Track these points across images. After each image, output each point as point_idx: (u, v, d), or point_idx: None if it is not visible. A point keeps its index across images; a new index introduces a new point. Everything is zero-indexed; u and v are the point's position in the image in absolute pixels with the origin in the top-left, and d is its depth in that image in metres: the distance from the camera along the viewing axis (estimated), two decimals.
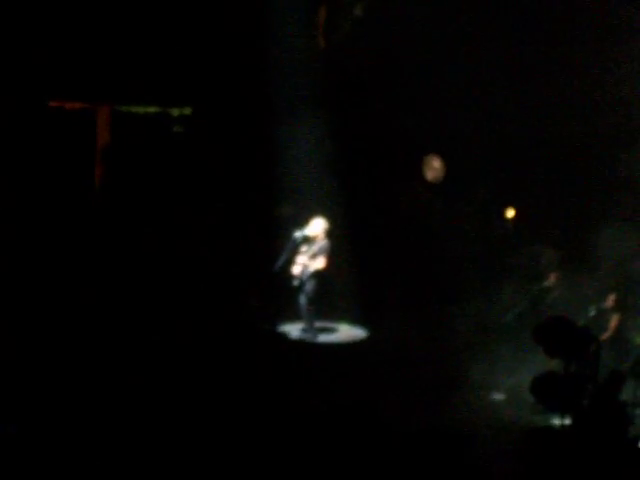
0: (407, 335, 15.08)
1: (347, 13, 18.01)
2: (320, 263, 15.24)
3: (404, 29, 16.65)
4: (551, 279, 15.41)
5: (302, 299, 15.43)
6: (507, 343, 14.58)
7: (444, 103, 16.63)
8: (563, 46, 16.39)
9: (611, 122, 16.35)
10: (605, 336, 14.02)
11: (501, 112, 16.74)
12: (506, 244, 16.88)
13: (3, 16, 15.89)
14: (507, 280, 15.61)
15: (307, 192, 16.61)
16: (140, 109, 17.47)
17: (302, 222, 15.33)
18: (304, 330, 15.52)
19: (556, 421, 11.76)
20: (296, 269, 15.28)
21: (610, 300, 14.40)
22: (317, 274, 15.30)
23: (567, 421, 11.26)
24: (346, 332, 16.03)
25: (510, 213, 17.39)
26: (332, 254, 15.35)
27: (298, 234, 15.13)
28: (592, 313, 14.31)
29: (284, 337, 15.26)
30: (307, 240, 15.24)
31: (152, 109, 17.50)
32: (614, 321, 14.26)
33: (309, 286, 15.34)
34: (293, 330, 15.60)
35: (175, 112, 17.59)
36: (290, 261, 15.18)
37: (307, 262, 15.25)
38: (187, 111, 17.64)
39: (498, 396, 13.72)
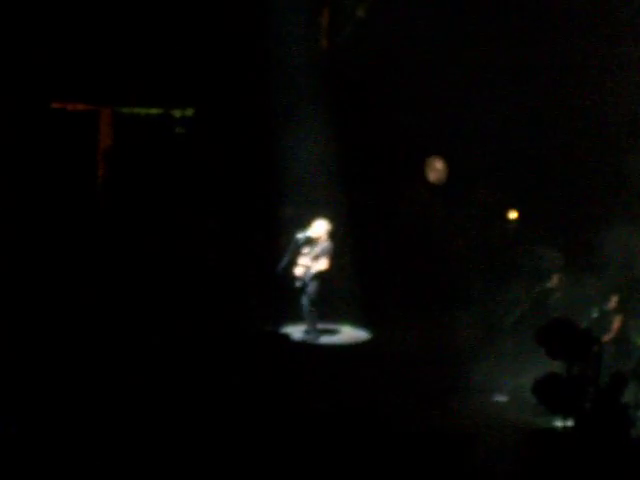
0: (409, 337, 15.09)
1: (350, 14, 18.02)
2: (323, 264, 15.24)
3: (406, 30, 16.66)
4: (553, 281, 15.39)
5: (304, 300, 15.42)
6: (509, 345, 14.57)
7: (446, 104, 16.63)
8: (565, 46, 16.38)
9: (615, 123, 16.34)
10: (607, 338, 14.00)
11: (504, 113, 16.72)
12: (508, 246, 16.87)
13: (6, 18, 15.90)
14: (509, 282, 15.59)
15: (310, 193, 16.62)
16: (142, 110, 17.50)
17: (304, 223, 15.32)
18: (306, 331, 15.51)
19: (558, 423, 11.73)
20: (299, 270, 15.28)
21: (612, 302, 14.37)
22: (320, 275, 15.29)
23: (569, 423, 11.25)
24: (348, 334, 16.02)
25: (512, 215, 17.38)
26: (334, 255, 15.35)
27: (300, 235, 15.13)
28: (594, 315, 14.30)
29: (286, 338, 15.24)
30: (310, 241, 15.23)
31: (154, 110, 17.53)
32: (616, 323, 14.24)
33: (311, 287, 15.33)
34: (295, 331, 15.59)
35: (177, 113, 17.62)
36: (292, 262, 15.18)
37: (310, 263, 15.25)
38: (189, 112, 17.67)
39: (500, 398, 13.69)
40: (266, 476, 10.41)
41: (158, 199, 16.74)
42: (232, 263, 16.13)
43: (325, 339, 15.58)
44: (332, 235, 15.32)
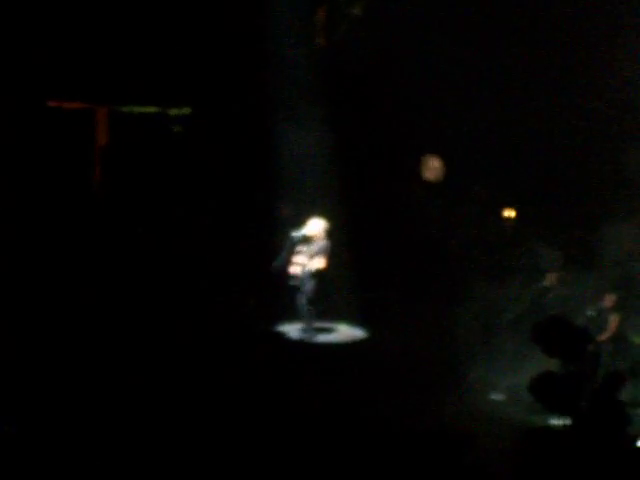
0: (406, 335, 15.08)
1: (346, 12, 18.00)
2: (319, 263, 15.21)
3: (403, 28, 16.66)
4: (550, 279, 15.39)
5: (301, 299, 15.40)
6: (506, 343, 14.57)
7: (443, 102, 16.63)
8: (563, 45, 16.38)
9: (612, 121, 16.34)
10: (605, 336, 14.00)
11: (501, 111, 16.73)
12: (505, 244, 16.86)
13: (2, 16, 15.88)
14: (507, 280, 15.59)
15: (306, 192, 16.61)
16: (139, 109, 17.48)
17: (301, 222, 15.30)
18: (303, 330, 15.49)
19: (555, 421, 11.73)
20: (295, 269, 15.26)
21: (609, 300, 14.38)
22: (316, 274, 15.27)
23: (566, 421, 11.24)
24: (345, 332, 16.00)
25: (509, 213, 17.38)
26: (331, 254, 15.33)
27: (297, 234, 15.12)
28: (591, 313, 14.31)
29: (283, 337, 15.24)
30: (306, 240, 15.21)
31: (151, 109, 17.53)
32: (614, 321, 14.24)
33: (308, 286, 15.30)
34: (292, 330, 15.57)
35: (174, 112, 17.61)
36: (289, 261, 15.17)
37: (306, 262, 15.22)
38: (186, 111, 17.66)
39: (497, 396, 13.70)
40: (265, 476, 10.41)
41: (155, 198, 16.72)
42: (229, 261, 16.12)
43: (322, 338, 15.57)
44: (329, 233, 15.31)
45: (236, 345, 13.78)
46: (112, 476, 10.18)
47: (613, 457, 10.61)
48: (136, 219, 16.52)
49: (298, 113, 16.84)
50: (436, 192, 17.52)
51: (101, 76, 16.70)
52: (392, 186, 17.36)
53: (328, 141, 16.69)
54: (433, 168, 17.69)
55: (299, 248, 15.19)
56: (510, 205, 17.39)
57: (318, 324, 15.64)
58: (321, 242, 15.22)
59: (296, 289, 15.33)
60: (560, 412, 11.35)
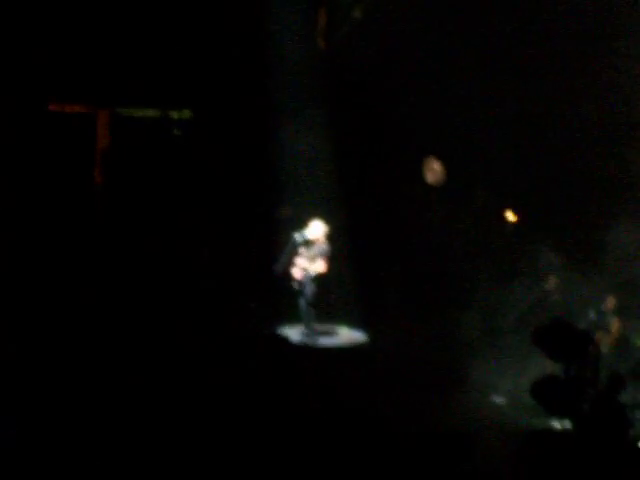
0: (407, 338, 15.08)
1: (347, 15, 18.00)
2: (320, 266, 15.22)
3: (404, 30, 16.65)
4: (551, 282, 15.40)
5: (302, 302, 15.41)
6: (508, 346, 14.58)
7: (444, 105, 16.62)
8: (566, 46, 16.36)
9: (614, 123, 16.32)
10: (607, 340, 14.01)
11: (502, 114, 16.73)
12: (507, 247, 16.86)
13: (3, 19, 15.89)
14: (508, 283, 15.59)
15: (307, 195, 16.60)
16: (140, 112, 17.48)
17: (302, 225, 15.31)
18: (304, 333, 15.49)
19: (556, 424, 11.75)
20: (296, 272, 15.26)
21: (610, 303, 14.39)
22: (317, 277, 15.28)
23: (567, 424, 11.25)
24: (346, 335, 16.01)
25: (511, 216, 17.38)
26: (332, 257, 15.34)
27: (298, 237, 15.12)
28: (592, 316, 14.32)
29: (284, 340, 15.23)
30: (307, 243, 15.22)
31: (152, 112, 17.52)
32: (615, 324, 14.25)
33: (309, 289, 15.31)
34: (293, 333, 15.57)
35: (175, 115, 17.59)
36: (290, 264, 15.17)
37: (307, 265, 15.23)
38: (187, 114, 17.64)
39: (498, 399, 13.71)
40: (265, 477, 10.42)
41: (156, 201, 16.72)
42: (229, 264, 16.13)
43: (323, 341, 15.57)
44: (330, 236, 15.32)
45: (237, 348, 13.77)
46: (112, 476, 10.18)
47: (614, 459, 10.62)
48: (137, 222, 16.51)
49: (299, 116, 16.83)
50: (437, 195, 17.52)
51: (102, 79, 16.70)
52: (393, 189, 17.36)
53: (329, 144, 16.69)
54: (434, 171, 17.67)
55: (300, 251, 15.20)
56: (512, 208, 17.38)
57: (319, 327, 15.64)
58: (322, 245, 15.23)
59: (297, 292, 15.34)
60: (561, 415, 11.37)
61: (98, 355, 13.04)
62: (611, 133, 16.28)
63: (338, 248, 15.52)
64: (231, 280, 15.86)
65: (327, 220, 15.29)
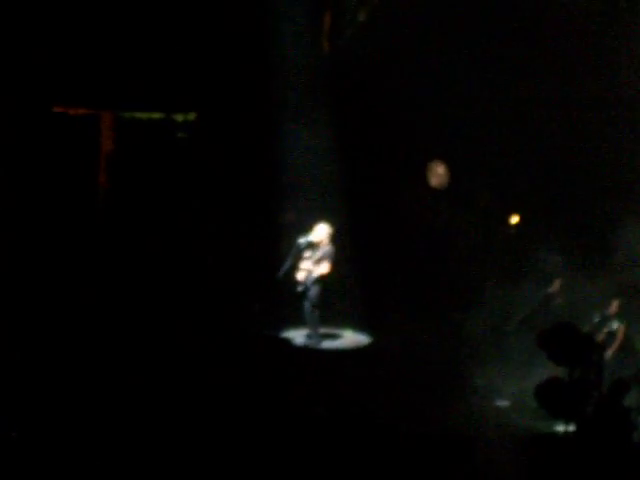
0: (411, 341, 15.07)
1: (351, 18, 18.00)
2: (324, 268, 15.23)
3: (408, 33, 16.64)
4: (556, 285, 15.38)
5: (307, 305, 15.41)
6: (511, 349, 14.57)
7: (448, 108, 16.61)
8: (569, 46, 16.35)
9: (618, 126, 16.31)
10: (614, 348, 14.00)
11: (506, 117, 16.72)
12: (510, 250, 16.84)
13: (7, 22, 15.90)
14: (512, 286, 15.57)
15: (311, 198, 16.60)
16: (144, 115, 17.48)
17: (306, 227, 15.31)
18: (308, 336, 15.50)
19: (560, 427, 11.73)
20: (300, 275, 15.27)
21: (614, 306, 14.37)
22: (321, 279, 15.28)
23: (571, 428, 11.24)
24: (350, 338, 16.01)
25: (514, 219, 17.36)
26: (336, 260, 15.33)
27: (302, 240, 15.12)
28: (596, 319, 14.30)
29: (288, 343, 15.25)
30: (311, 246, 15.22)
31: (156, 115, 17.52)
32: (620, 331, 14.22)
33: (313, 291, 15.32)
34: (297, 336, 15.58)
35: (179, 118, 17.60)
36: (294, 267, 15.17)
37: (311, 268, 15.23)
38: (191, 117, 17.64)
39: (502, 402, 13.70)
40: (268, 476, 10.43)
41: (160, 204, 16.73)
42: (234, 268, 16.13)
43: (327, 344, 15.57)
44: (334, 239, 15.32)
45: (241, 350, 13.78)
46: (112, 476, 10.18)
47: (618, 463, 10.61)
48: (141, 224, 16.51)
49: (304, 118, 16.83)
50: (441, 198, 17.51)
51: (106, 82, 16.69)
52: (397, 192, 17.34)
53: (333, 146, 16.67)
54: (438, 174, 17.66)
55: (305, 254, 15.21)
56: (515, 211, 17.36)
57: (323, 330, 15.64)
58: (326, 248, 15.24)
59: (302, 294, 15.34)
60: (565, 418, 11.35)
61: (101, 355, 13.04)
62: (616, 135, 16.26)
63: (342, 251, 15.52)
64: (235, 282, 15.84)
65: (331, 223, 15.29)
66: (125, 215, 16.79)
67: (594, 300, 14.76)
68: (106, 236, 16.42)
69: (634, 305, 14.49)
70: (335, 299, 15.89)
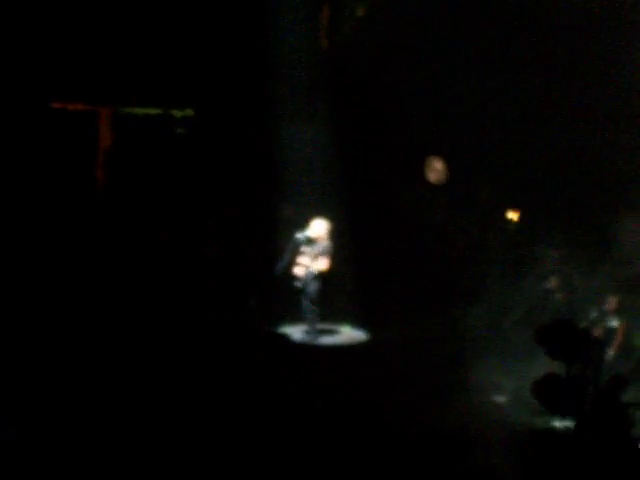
0: (408, 337, 15.06)
1: (350, 13, 18.00)
2: (323, 264, 15.21)
3: (407, 29, 16.64)
4: (554, 281, 15.37)
5: (305, 301, 15.39)
6: (509, 345, 14.56)
7: (447, 104, 16.61)
8: (569, 43, 16.34)
9: (618, 122, 16.30)
10: (616, 344, 13.99)
11: (505, 112, 16.72)
12: (509, 246, 16.84)
13: (5, 17, 15.89)
14: (510, 282, 15.57)
15: (309, 193, 16.59)
16: (142, 111, 17.48)
17: (304, 223, 15.30)
18: (306, 332, 15.48)
19: (558, 423, 11.71)
20: (298, 270, 15.25)
21: (612, 302, 14.36)
22: (320, 275, 15.27)
23: (568, 423, 11.22)
24: (348, 334, 16.00)
25: (513, 215, 17.35)
26: (334, 255, 15.32)
27: (300, 235, 15.10)
28: (594, 315, 14.29)
29: (285, 339, 15.22)
30: (309, 241, 15.20)
31: (154, 111, 17.52)
32: (620, 328, 14.21)
33: (312, 287, 15.30)
34: (294, 332, 15.56)
35: (177, 114, 17.60)
36: (292, 263, 15.16)
37: (309, 263, 15.22)
38: (189, 112, 17.65)
39: (499, 398, 13.69)
40: (266, 475, 10.41)
41: (158, 199, 16.72)
42: (231, 263, 16.12)
43: (325, 339, 15.56)
44: (332, 235, 15.30)
45: (238, 346, 13.77)
46: (112, 476, 10.18)
47: (616, 459, 10.59)
48: (140, 221, 16.50)
49: (302, 114, 16.83)
50: (439, 194, 17.50)
51: (105, 77, 16.70)
52: (395, 187, 17.34)
53: (331, 142, 16.67)
54: (436, 170, 17.67)
55: (303, 249, 15.19)
56: (514, 206, 17.36)
57: (321, 326, 15.63)
58: (324, 243, 15.22)
59: (300, 290, 15.32)
60: (563, 414, 11.33)
61: (99, 355, 13.03)
62: (616, 130, 16.25)
63: (340, 247, 15.51)
64: (233, 278, 15.84)
65: (329, 218, 15.28)
66: (123, 211, 16.78)
67: (593, 296, 14.76)
68: (105, 232, 16.41)
69: (632, 300, 14.50)
70: (333, 295, 15.88)
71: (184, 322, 14.27)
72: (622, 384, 11.38)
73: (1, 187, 15.73)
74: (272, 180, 16.74)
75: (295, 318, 15.63)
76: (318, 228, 15.18)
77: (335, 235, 15.35)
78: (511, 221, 17.40)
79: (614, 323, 14.23)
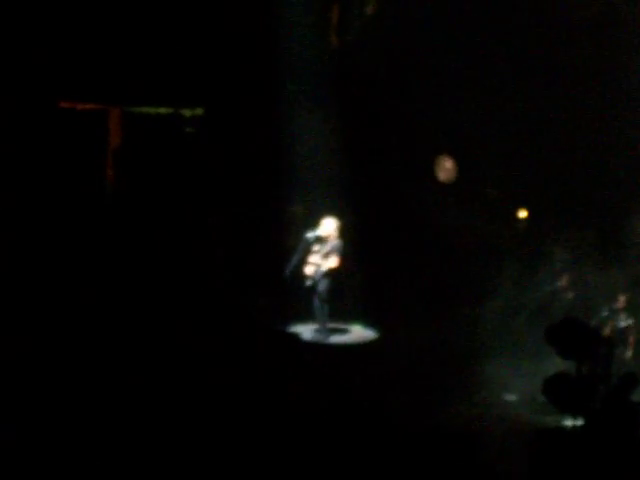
0: (418, 336, 15.06)
1: (359, 11, 17.99)
2: (333, 262, 15.22)
3: (416, 27, 16.63)
4: (564, 280, 15.37)
5: (316, 299, 15.40)
6: (520, 343, 14.56)
7: (457, 102, 16.59)
8: (578, 43, 16.33)
9: (626, 119, 16.27)
10: (631, 343, 13.99)
11: (514, 111, 16.70)
12: (518, 245, 16.83)
13: (14, 17, 15.92)
14: (520, 281, 15.57)
15: (319, 192, 16.59)
16: (152, 110, 17.48)
17: (314, 222, 15.30)
18: (316, 330, 15.49)
19: (568, 422, 11.70)
20: (309, 269, 15.26)
21: (621, 301, 14.35)
22: (330, 273, 15.27)
23: (579, 422, 11.22)
24: (358, 333, 16.00)
25: (522, 213, 17.34)
26: (344, 254, 15.32)
27: (310, 234, 15.11)
28: (604, 314, 14.29)
29: (296, 337, 15.24)
30: (320, 240, 15.21)
31: (164, 110, 17.51)
32: (631, 330, 14.21)
33: (322, 286, 15.30)
34: (305, 331, 15.57)
35: (187, 113, 17.59)
36: (303, 261, 15.17)
37: (320, 262, 15.23)
38: (199, 112, 17.64)
39: (510, 396, 13.69)
40: (273, 472, 10.43)
41: (167, 198, 16.74)
42: (241, 262, 16.14)
43: (334, 338, 15.56)
44: (342, 233, 15.31)
45: (249, 345, 13.78)
46: (112, 476, 10.20)
47: (625, 458, 10.59)
48: (149, 220, 16.52)
49: (311, 112, 16.82)
50: (449, 192, 17.48)
51: (114, 77, 16.70)
52: (405, 186, 17.33)
53: (341, 141, 16.66)
54: (446, 168, 17.64)
55: (313, 248, 15.20)
56: (523, 205, 17.34)
57: (331, 324, 15.63)
58: (334, 241, 15.23)
59: (310, 289, 15.33)
60: (573, 413, 11.33)
61: (106, 352, 13.05)
62: (629, 127, 16.24)
63: (350, 246, 15.52)
64: (243, 277, 15.86)
65: (339, 217, 15.29)
66: (133, 210, 16.80)
67: (603, 294, 14.75)
68: (114, 231, 16.42)
69: None
70: (343, 294, 15.89)
71: (193, 320, 14.29)
72: (633, 383, 11.38)
73: (11, 187, 15.76)
74: (282, 179, 16.74)
75: (305, 317, 15.62)
76: (328, 227, 15.20)
77: (345, 234, 15.35)
78: (521, 219, 17.39)
79: (624, 322, 14.22)
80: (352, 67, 17.38)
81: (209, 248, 16.29)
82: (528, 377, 13.40)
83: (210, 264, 16.01)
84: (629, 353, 14.01)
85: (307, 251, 15.17)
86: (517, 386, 13.71)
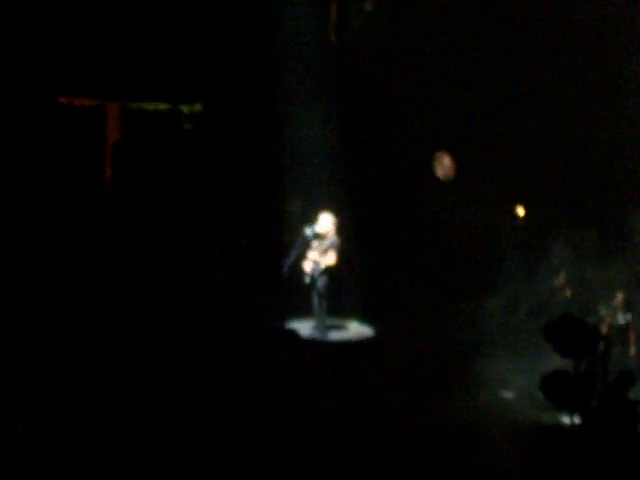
0: (416, 333, 15.06)
1: (358, 9, 17.98)
2: (331, 259, 15.20)
3: (415, 25, 16.63)
4: (563, 277, 15.37)
5: (314, 296, 15.39)
6: (517, 341, 14.56)
7: (455, 99, 16.60)
8: (578, 43, 16.33)
9: (626, 117, 16.28)
10: (633, 341, 14.01)
11: (513, 109, 16.70)
12: (517, 242, 16.84)
13: (13, 13, 15.90)
14: (518, 278, 15.57)
15: (317, 188, 16.60)
16: (150, 106, 17.47)
17: (312, 219, 15.29)
18: (314, 327, 15.47)
19: (565, 419, 11.71)
20: (307, 266, 15.24)
21: (620, 298, 14.35)
22: (328, 270, 15.26)
23: (576, 419, 11.22)
24: (355, 330, 16.00)
25: (520, 211, 17.34)
26: (343, 251, 15.31)
27: (308, 231, 15.09)
28: (602, 311, 14.29)
29: (294, 334, 15.21)
30: (317, 236, 15.19)
31: (162, 106, 17.51)
32: (632, 330, 14.22)
33: (320, 282, 15.29)
34: (302, 327, 15.55)
35: (185, 109, 17.59)
36: (301, 258, 15.15)
37: (318, 258, 15.21)
38: (197, 108, 17.64)
39: (507, 394, 13.68)
40: (271, 471, 10.42)
41: (166, 194, 16.74)
42: (239, 258, 16.13)
43: (332, 335, 15.55)
44: (339, 230, 15.30)
45: (246, 342, 13.77)
46: (113, 475, 10.19)
47: (623, 455, 10.60)
48: (147, 215, 16.51)
49: (310, 110, 16.81)
50: (447, 189, 17.49)
51: (112, 72, 16.70)
52: (403, 183, 17.34)
53: (339, 138, 16.66)
54: (444, 165, 17.66)
55: (311, 245, 15.19)
56: (522, 202, 17.35)
57: (329, 321, 15.62)
58: (332, 238, 15.21)
59: (309, 286, 15.31)
60: (571, 410, 11.33)
61: (105, 349, 13.05)
62: (628, 124, 16.24)
63: (348, 242, 15.51)
64: (240, 274, 15.85)
65: (337, 213, 15.27)
66: (131, 206, 16.80)
67: (602, 292, 14.76)
68: (112, 227, 16.42)
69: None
70: (342, 290, 15.89)
71: (190, 317, 14.29)
72: (630, 381, 11.39)
73: (8, 182, 15.74)
74: (280, 175, 16.74)
75: (303, 313, 15.61)
76: (326, 223, 15.17)
77: (343, 230, 15.34)
78: (519, 217, 17.40)
79: (622, 319, 14.23)
80: (351, 64, 17.37)
81: (207, 245, 16.27)
82: (526, 374, 13.39)
83: (208, 261, 16.00)
84: (627, 351, 14.00)
85: (305, 248, 15.15)
86: (515, 383, 13.70)
